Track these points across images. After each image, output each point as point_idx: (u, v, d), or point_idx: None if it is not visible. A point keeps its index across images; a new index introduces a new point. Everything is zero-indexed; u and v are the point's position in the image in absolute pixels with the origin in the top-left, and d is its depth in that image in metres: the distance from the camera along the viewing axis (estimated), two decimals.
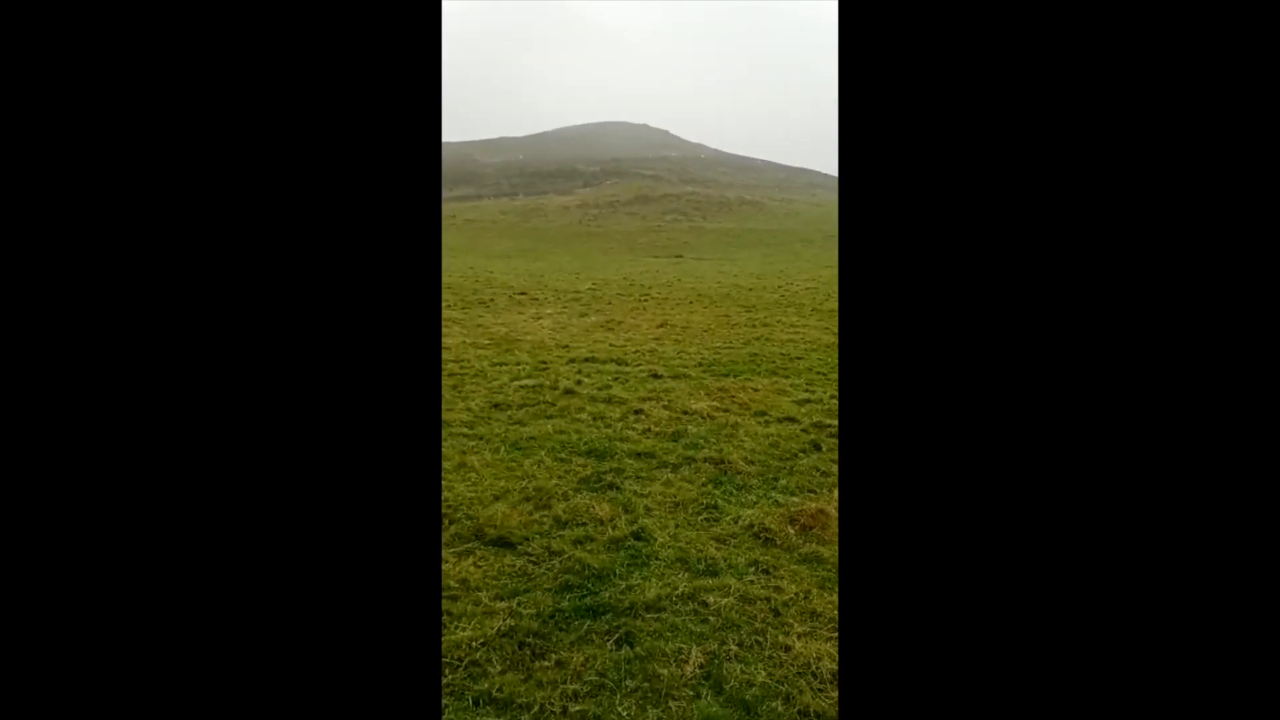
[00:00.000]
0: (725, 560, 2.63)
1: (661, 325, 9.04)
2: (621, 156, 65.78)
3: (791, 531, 2.87)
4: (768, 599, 2.35)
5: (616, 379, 5.84)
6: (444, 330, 7.93)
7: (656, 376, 5.93)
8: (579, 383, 5.62)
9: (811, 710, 1.79)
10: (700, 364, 6.54)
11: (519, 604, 2.28)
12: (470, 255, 23.31)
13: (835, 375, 6.06)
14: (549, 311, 10.28)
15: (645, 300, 11.86)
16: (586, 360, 6.64)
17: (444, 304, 10.25)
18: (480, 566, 2.53)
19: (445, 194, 49.34)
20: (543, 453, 3.86)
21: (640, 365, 6.41)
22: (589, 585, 2.42)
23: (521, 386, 5.45)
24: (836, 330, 8.79)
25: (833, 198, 60.90)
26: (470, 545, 2.70)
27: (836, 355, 7.03)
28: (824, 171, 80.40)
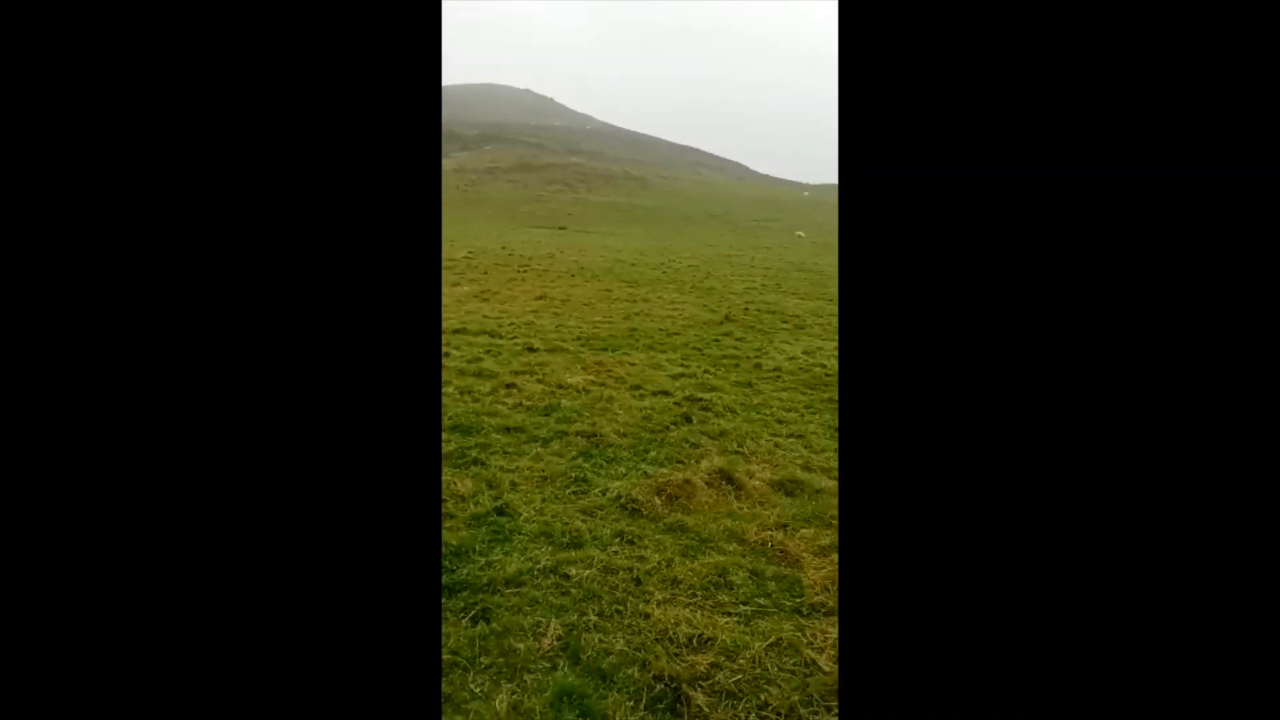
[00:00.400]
0: (590, 532, 2.63)
1: (540, 298, 8.87)
2: (503, 122, 63.42)
3: (658, 502, 2.92)
4: (630, 569, 2.37)
5: (489, 351, 5.65)
6: None
7: (532, 350, 5.81)
8: (447, 355, 5.38)
9: (666, 674, 1.83)
10: (578, 338, 6.49)
11: None
12: None
13: (710, 350, 6.25)
14: None
15: (524, 271, 11.58)
16: (456, 332, 6.36)
17: None
18: None
19: None
20: None
21: (515, 338, 6.25)
22: (446, 564, 2.32)
23: None
24: (714, 307, 9.00)
25: (718, 177, 62.54)
26: None
27: (712, 331, 7.25)
28: (709, 151, 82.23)
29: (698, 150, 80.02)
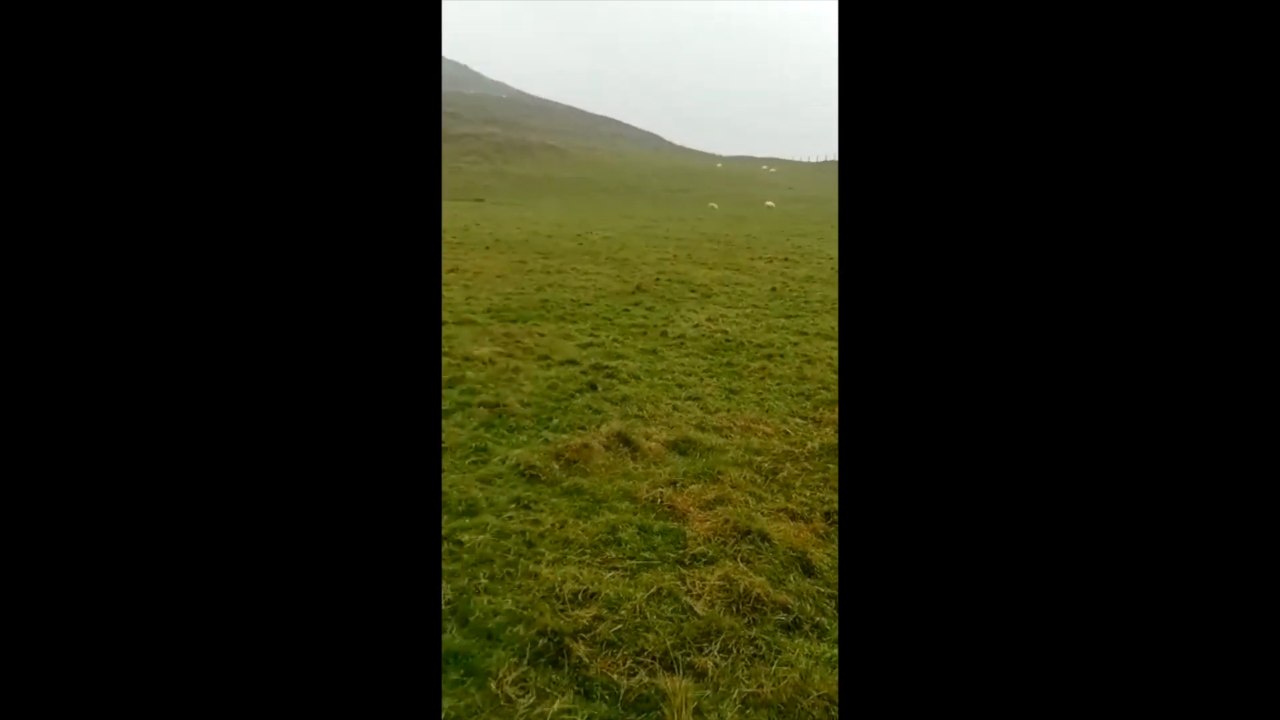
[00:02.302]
0: (487, 499, 2.66)
1: (451, 270, 8.65)
2: None
3: (556, 467, 2.98)
4: (523, 532, 2.43)
5: None
6: None
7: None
8: None
9: (550, 630, 1.91)
10: (489, 310, 6.41)
11: None
12: None
13: (620, 319, 6.32)
14: None
15: None
16: None
17: None
18: None
19: None
20: None
21: None
22: None
23: None
24: (626, 278, 9.05)
25: (635, 148, 62.18)
26: None
27: (623, 301, 7.31)
28: (627, 122, 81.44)
29: (616, 121, 79.11)
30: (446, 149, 39.68)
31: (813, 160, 60.67)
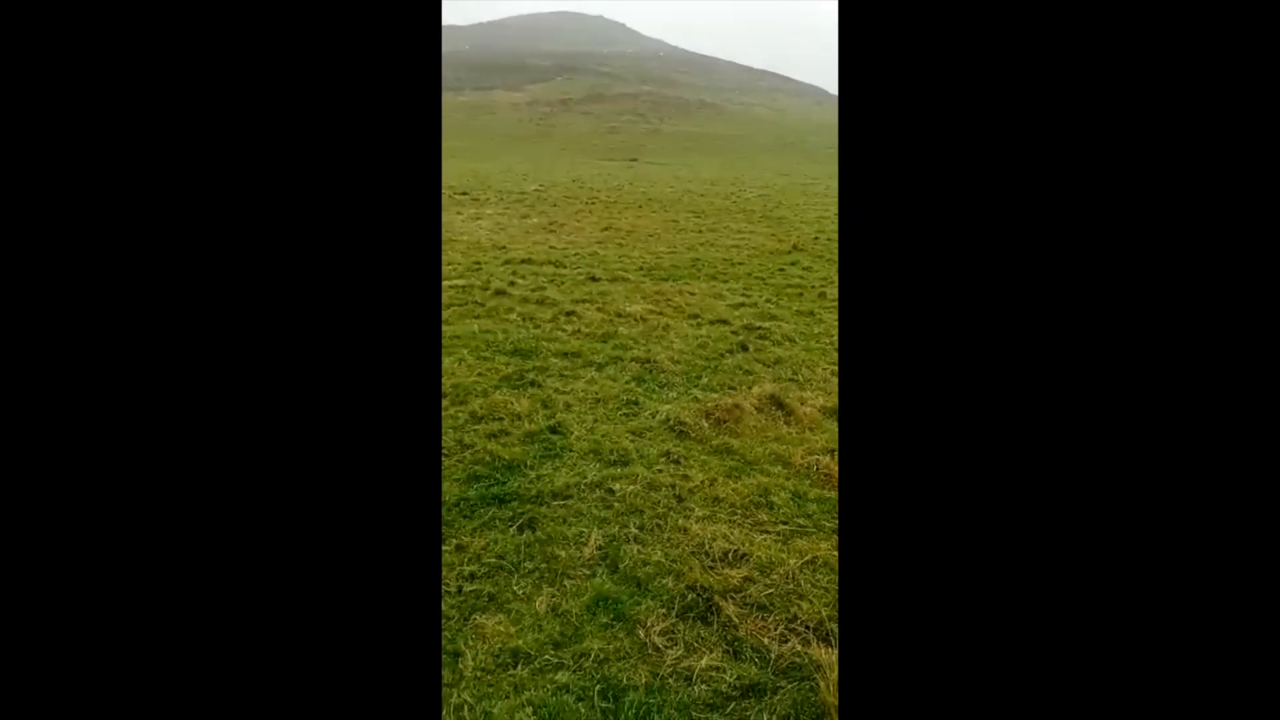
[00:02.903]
0: (638, 451, 2.68)
1: (606, 229, 8.83)
2: (575, 50, 61.82)
3: (706, 425, 2.93)
4: (673, 486, 2.42)
5: (552, 281, 5.72)
6: None
7: (594, 279, 5.83)
8: (512, 284, 5.49)
9: (699, 585, 1.88)
10: (641, 268, 6.46)
11: None
12: None
13: (774, 280, 6.08)
14: (489, 212, 9.89)
15: (593, 204, 11.51)
16: (523, 262, 6.46)
17: None
18: None
19: None
20: (465, 351, 3.80)
21: (579, 268, 6.28)
22: (498, 476, 2.44)
23: (451, 287, 5.29)
24: (782, 237, 8.72)
25: (795, 103, 59.18)
26: None
27: (778, 260, 7.04)
28: (788, 75, 77.62)
29: (775, 74, 75.63)
30: (603, 109, 40.44)
31: None
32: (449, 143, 27.84)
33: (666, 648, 1.69)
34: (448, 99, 42.72)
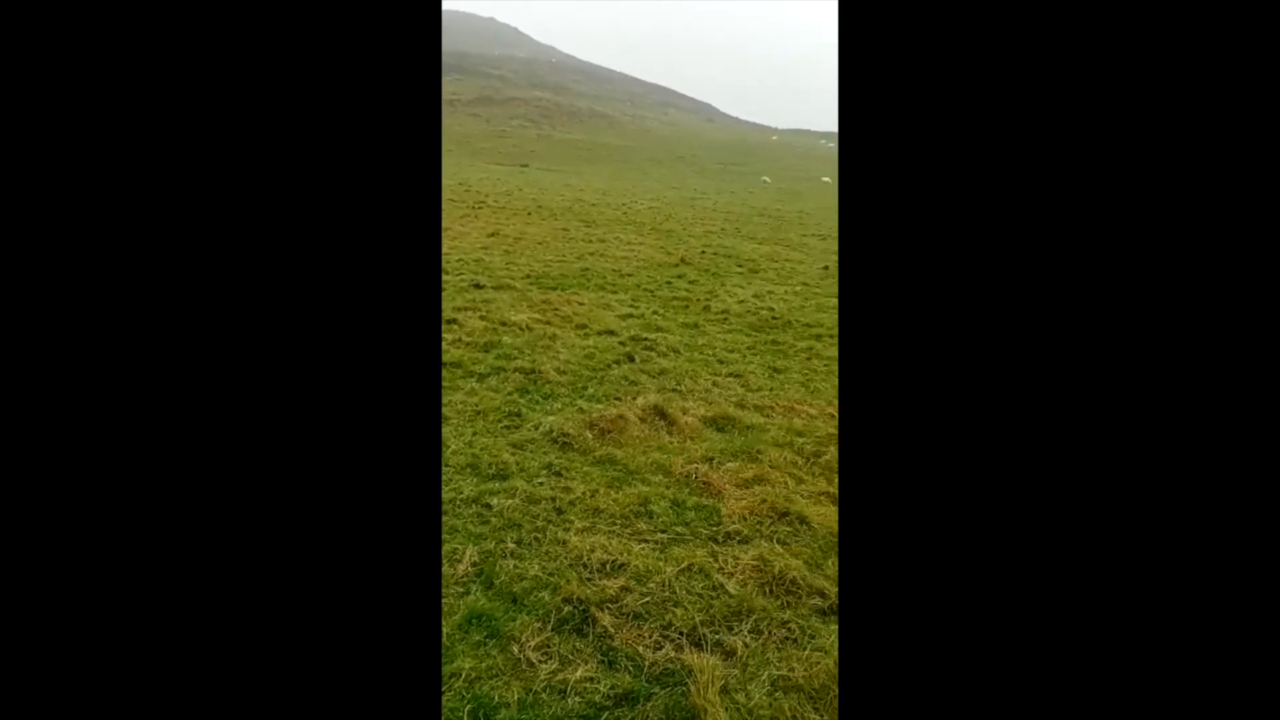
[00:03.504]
0: (518, 464, 2.64)
1: (492, 235, 8.65)
2: (465, 51, 60.28)
3: (589, 436, 2.94)
4: (553, 498, 2.40)
5: None
6: None
7: (478, 286, 5.69)
8: None
9: (576, 597, 1.87)
10: (528, 276, 6.38)
11: None
12: None
13: (661, 291, 6.21)
14: None
15: (479, 208, 11.25)
16: None
17: None
18: None
19: None
20: None
21: (462, 274, 6.11)
22: None
23: None
24: (670, 249, 8.93)
25: (686, 118, 61.01)
26: None
27: (666, 273, 7.20)
28: (679, 90, 79.91)
29: (667, 89, 77.65)
30: (493, 112, 39.67)
31: None
32: None
33: (541, 662, 1.67)
34: None
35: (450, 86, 44.36)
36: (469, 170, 19.77)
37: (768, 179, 26.32)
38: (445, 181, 15.05)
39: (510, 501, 2.34)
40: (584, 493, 2.46)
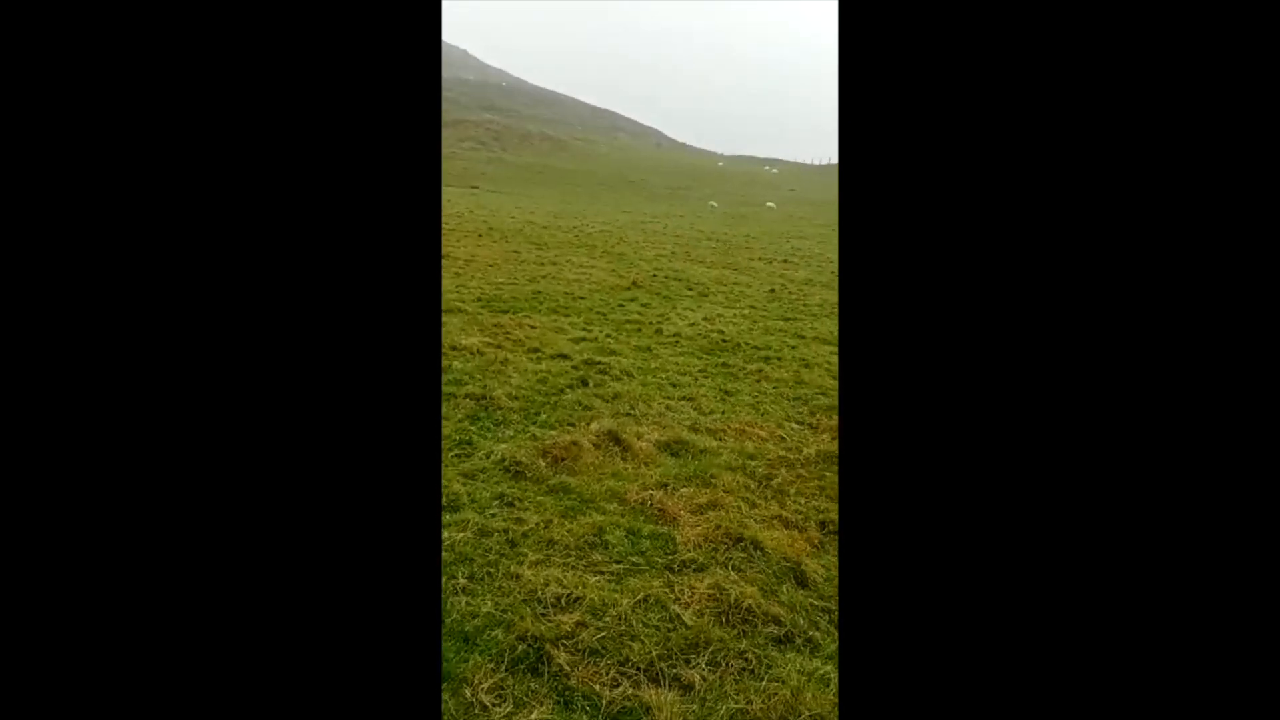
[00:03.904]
0: (469, 495, 2.56)
1: (443, 257, 8.51)
2: None
3: (543, 464, 2.89)
4: (506, 531, 2.33)
5: None
6: None
7: None
8: None
9: (530, 635, 1.82)
10: (479, 299, 6.29)
11: None
12: None
13: (614, 315, 6.22)
14: None
15: None
16: None
17: None
18: None
19: None
20: None
21: None
22: None
23: None
24: (622, 272, 8.97)
25: (636, 142, 61.91)
26: None
27: (618, 296, 7.22)
28: (628, 116, 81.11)
29: (616, 114, 78.71)
30: (444, 134, 39.35)
31: (817, 163, 60.61)
32: None
33: (494, 705, 1.61)
34: None
35: None
36: None
37: (715, 204, 26.85)
38: None
39: (461, 535, 2.27)
40: (537, 523, 2.41)
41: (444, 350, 4.45)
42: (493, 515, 2.44)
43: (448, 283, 6.87)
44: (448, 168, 30.40)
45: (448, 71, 70.83)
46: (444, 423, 3.26)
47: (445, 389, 3.71)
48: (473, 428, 3.25)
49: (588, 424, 3.39)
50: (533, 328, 5.42)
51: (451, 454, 2.94)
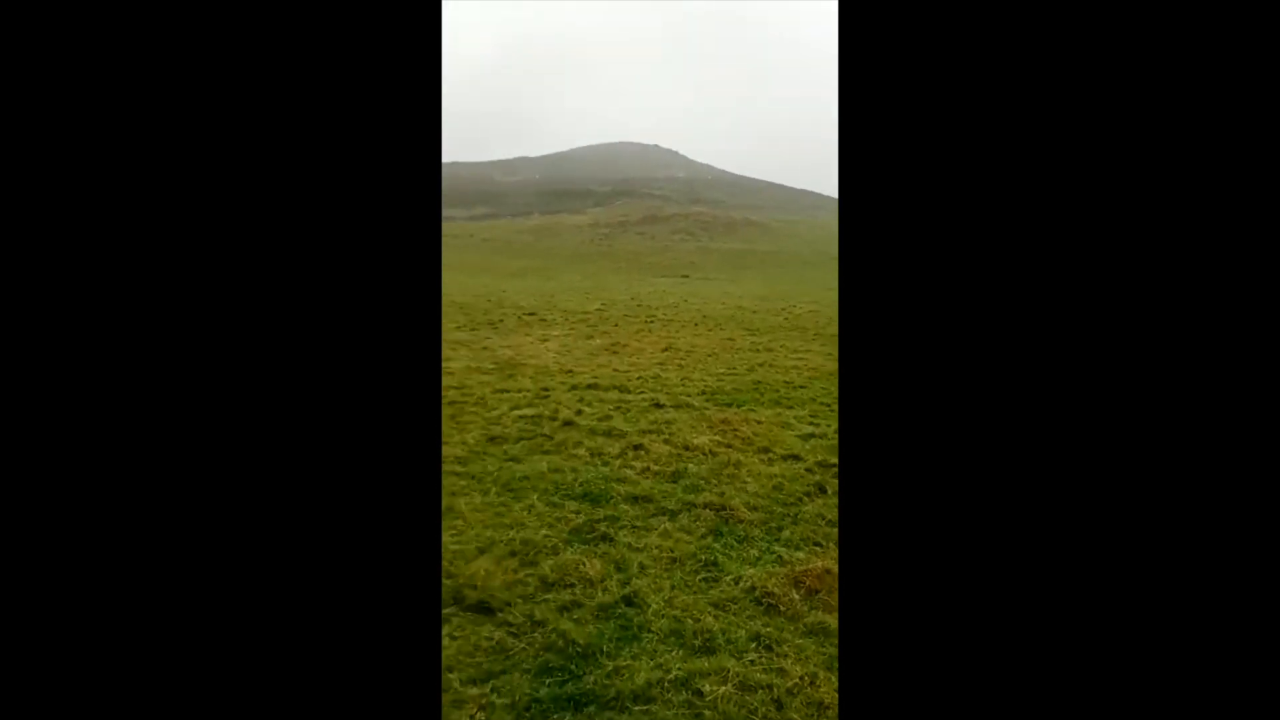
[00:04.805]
0: (724, 633, 2.40)
1: (666, 349, 8.84)
2: (632, 176, 66.18)
3: (796, 596, 2.64)
4: (769, 685, 2.11)
5: (618, 408, 5.63)
6: (449, 354, 7.75)
7: (659, 406, 5.72)
8: (579, 412, 5.42)
9: None
10: (703, 392, 6.34)
11: (492, 689, 2.05)
12: (485, 275, 23.21)
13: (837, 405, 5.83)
14: (556, 333, 10.11)
15: (651, 322, 11.68)
16: (589, 387, 6.43)
17: (453, 325, 10.09)
18: (456, 638, 2.30)
19: (464, 213, 49.85)
20: (535, 496, 3.64)
21: (643, 393, 6.20)
22: (572, 667, 2.19)
23: (521, 416, 5.25)
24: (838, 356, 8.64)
25: (833, 219, 60.98)
26: (449, 611, 2.48)
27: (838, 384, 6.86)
28: (823, 193, 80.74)
29: (816, 194, 78.67)
30: (657, 229, 42.40)
31: None
32: (517, 263, 29.43)
33: None
34: (518, 224, 45.78)
35: (620, 209, 48.52)
36: (638, 284, 20.96)
37: None
38: (620, 296, 16.01)
39: (723, 688, 2.10)
40: (802, 677, 2.15)
41: (679, 451, 4.46)
42: (750, 662, 2.24)
43: (673, 375, 7.07)
44: (661, 259, 32.53)
45: (662, 172, 77.32)
46: (687, 538, 3.18)
47: (684, 496, 3.67)
48: (716, 545, 3.13)
49: (835, 544, 3.07)
50: (759, 423, 5.26)
51: (699, 577, 2.82)
